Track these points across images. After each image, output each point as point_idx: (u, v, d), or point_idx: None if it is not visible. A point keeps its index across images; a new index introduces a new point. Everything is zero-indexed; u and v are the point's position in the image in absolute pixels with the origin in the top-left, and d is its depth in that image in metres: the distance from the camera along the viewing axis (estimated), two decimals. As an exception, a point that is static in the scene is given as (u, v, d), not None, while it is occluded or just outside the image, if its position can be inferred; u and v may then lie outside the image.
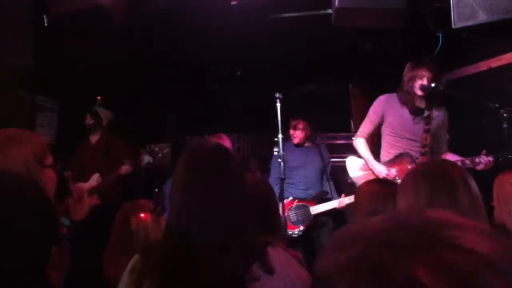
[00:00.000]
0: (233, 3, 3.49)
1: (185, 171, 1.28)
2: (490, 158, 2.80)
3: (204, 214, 1.19)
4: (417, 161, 3.04)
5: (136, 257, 1.27)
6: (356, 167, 3.34)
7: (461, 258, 0.40)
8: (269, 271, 1.18)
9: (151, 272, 1.18)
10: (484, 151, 2.84)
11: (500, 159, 2.79)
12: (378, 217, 0.48)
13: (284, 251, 1.36)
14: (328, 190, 4.07)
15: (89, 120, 4.34)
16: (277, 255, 1.25)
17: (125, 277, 1.26)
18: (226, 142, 3.98)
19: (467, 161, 2.88)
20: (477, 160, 2.83)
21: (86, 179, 4.21)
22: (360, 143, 3.28)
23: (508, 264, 0.40)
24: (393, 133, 3.15)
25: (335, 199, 3.91)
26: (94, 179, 4.19)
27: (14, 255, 0.94)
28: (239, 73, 5.41)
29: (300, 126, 4.09)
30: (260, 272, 1.17)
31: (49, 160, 1.48)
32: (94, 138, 4.37)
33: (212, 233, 1.17)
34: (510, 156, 2.72)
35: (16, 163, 1.34)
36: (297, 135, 4.09)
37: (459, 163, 2.88)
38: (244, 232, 1.22)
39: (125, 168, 4.10)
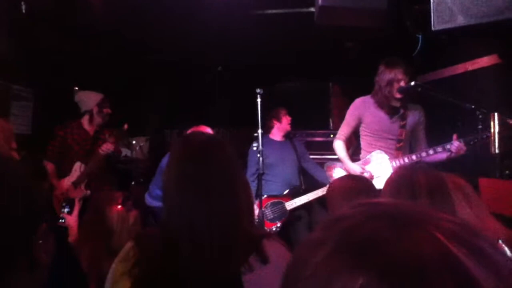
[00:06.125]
0: (217, -3, 3.48)
1: (182, 165, 1.25)
2: (459, 142, 2.84)
3: (208, 208, 1.17)
4: (392, 155, 3.11)
5: (129, 245, 1.25)
6: (339, 174, 3.39)
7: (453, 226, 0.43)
8: (265, 261, 1.18)
9: (147, 264, 1.17)
10: (455, 136, 2.88)
11: (472, 143, 2.84)
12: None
13: (278, 242, 1.37)
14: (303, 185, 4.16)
15: (106, 109, 3.82)
16: (272, 246, 1.25)
17: (117, 266, 1.24)
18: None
19: (439, 149, 2.94)
20: (448, 146, 2.89)
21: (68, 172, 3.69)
22: (338, 145, 3.37)
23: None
24: (371, 133, 3.21)
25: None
26: (77, 169, 3.66)
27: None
28: (219, 68, 5.39)
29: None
30: (257, 263, 1.16)
31: (14, 144, 1.63)
32: (92, 128, 3.82)
33: (216, 226, 1.16)
34: (484, 137, 2.74)
35: None
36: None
37: (431, 151, 2.96)
38: (243, 223, 1.22)
39: (106, 147, 3.53)
